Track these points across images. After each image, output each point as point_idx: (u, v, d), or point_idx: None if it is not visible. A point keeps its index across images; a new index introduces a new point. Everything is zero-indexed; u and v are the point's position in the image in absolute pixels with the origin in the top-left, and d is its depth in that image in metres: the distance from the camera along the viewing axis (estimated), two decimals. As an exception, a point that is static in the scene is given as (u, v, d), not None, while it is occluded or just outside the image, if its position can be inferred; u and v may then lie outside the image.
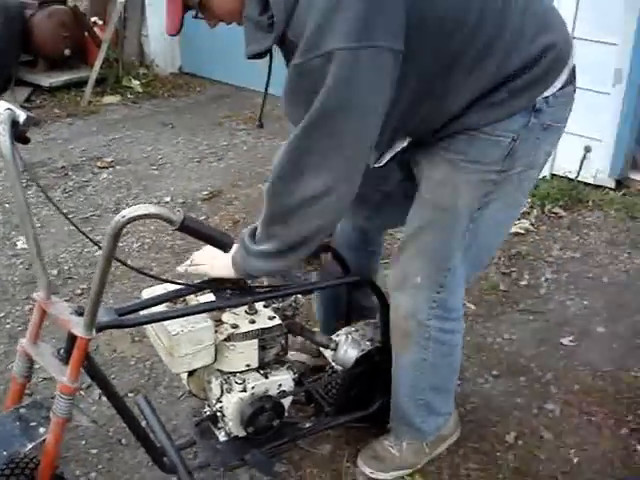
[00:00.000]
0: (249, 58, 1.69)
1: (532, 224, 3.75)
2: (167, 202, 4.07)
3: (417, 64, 1.64)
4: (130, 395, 2.61)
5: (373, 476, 2.24)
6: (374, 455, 2.27)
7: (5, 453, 1.70)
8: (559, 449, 2.38)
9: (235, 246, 1.81)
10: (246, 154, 4.78)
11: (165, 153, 4.81)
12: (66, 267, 3.46)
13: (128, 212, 1.48)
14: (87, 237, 1.78)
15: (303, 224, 1.73)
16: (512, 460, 2.33)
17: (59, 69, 5.97)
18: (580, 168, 3.98)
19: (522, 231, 3.68)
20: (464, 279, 2.01)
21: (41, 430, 1.75)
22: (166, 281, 1.96)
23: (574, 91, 1.85)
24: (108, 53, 5.88)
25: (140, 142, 4.98)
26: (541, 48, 1.72)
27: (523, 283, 3.29)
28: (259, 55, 1.68)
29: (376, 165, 1.95)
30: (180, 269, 2.01)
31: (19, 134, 1.67)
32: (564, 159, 4.01)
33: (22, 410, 1.80)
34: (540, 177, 4.06)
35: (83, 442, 2.42)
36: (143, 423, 2.13)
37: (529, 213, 3.84)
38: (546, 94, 1.75)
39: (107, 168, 4.56)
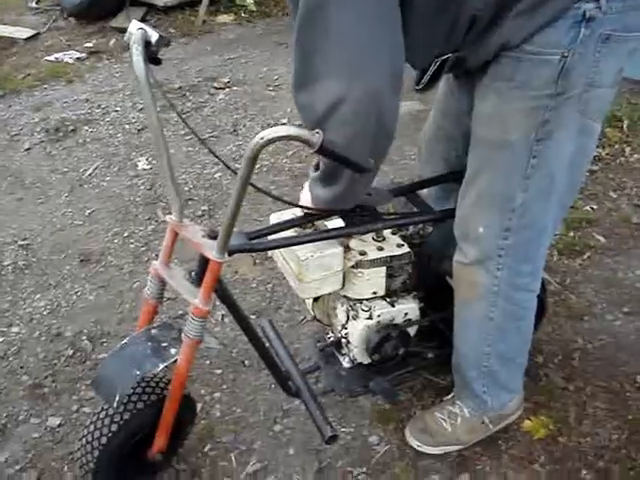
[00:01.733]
0: None
1: (668, 151, 3.52)
2: (284, 124, 4.03)
3: None
4: (252, 317, 2.65)
5: (420, 449, 2.13)
6: (423, 427, 2.14)
7: (138, 372, 1.73)
8: (695, 392, 2.28)
9: None
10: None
11: (280, 73, 4.75)
12: (186, 188, 3.50)
13: (267, 133, 1.42)
14: (224, 163, 1.75)
15: (335, 136, 1.48)
16: (642, 401, 2.25)
17: (173, -12, 5.97)
18: None
19: (656, 159, 3.47)
20: (542, 225, 1.78)
21: (172, 351, 1.77)
22: (297, 206, 1.91)
23: None
24: (222, -29, 5.83)
25: (255, 62, 4.94)
26: None
27: (657, 216, 3.11)
28: None
29: (419, 87, 1.77)
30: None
31: (151, 55, 1.64)
32: None
33: (153, 331, 1.83)
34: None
35: (208, 362, 2.48)
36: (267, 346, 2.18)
37: (664, 140, 3.61)
38: None
39: (223, 89, 4.56)
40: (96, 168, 3.76)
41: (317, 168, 1.75)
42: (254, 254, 2.93)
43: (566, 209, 1.85)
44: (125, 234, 3.21)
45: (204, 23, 5.65)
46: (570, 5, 1.49)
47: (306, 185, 1.86)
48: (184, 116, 4.21)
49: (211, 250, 1.66)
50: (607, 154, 3.53)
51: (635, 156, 3.53)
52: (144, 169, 3.69)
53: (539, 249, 1.83)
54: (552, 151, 1.65)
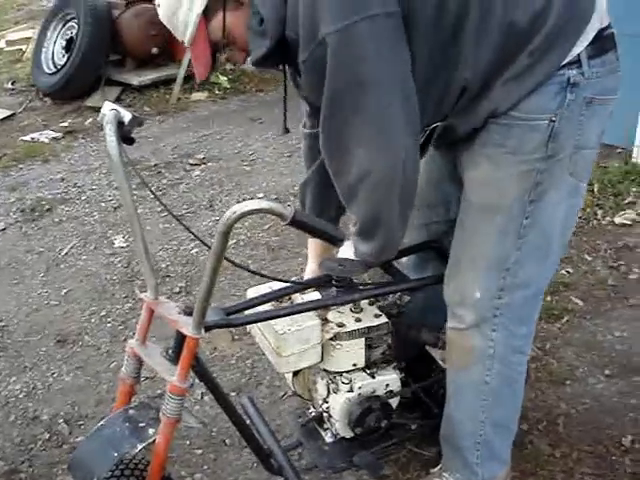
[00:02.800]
0: (254, 65, 1.65)
1: (638, 214, 3.57)
2: (260, 198, 4.06)
3: (419, 29, 1.52)
4: (232, 394, 2.61)
5: None
6: None
7: (116, 454, 1.69)
8: (680, 454, 2.26)
9: None
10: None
11: (255, 148, 4.81)
12: (163, 265, 3.49)
13: (239, 207, 1.43)
14: (198, 238, 1.77)
15: (366, 203, 1.66)
16: (629, 465, 2.23)
17: (147, 68, 6.05)
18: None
19: (629, 222, 3.52)
20: (536, 285, 1.80)
21: (150, 431, 1.73)
22: (275, 279, 1.93)
23: (617, 59, 1.65)
24: (195, 50, 5.92)
25: (230, 138, 5.00)
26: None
27: (632, 277, 3.15)
28: (262, 60, 1.61)
29: None
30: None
31: (124, 134, 1.67)
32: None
33: (131, 411, 1.79)
34: (647, 163, 3.93)
35: (187, 442, 2.43)
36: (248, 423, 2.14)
37: (634, 203, 3.67)
38: (575, 51, 1.57)
39: (199, 165, 4.60)
40: (72, 247, 3.74)
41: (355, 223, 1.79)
42: (233, 330, 2.90)
43: (555, 269, 1.90)
44: (102, 313, 3.17)
45: (179, 101, 5.73)
46: (555, 71, 1.57)
47: (347, 242, 1.87)
48: (159, 193, 4.22)
49: (187, 326, 1.65)
50: (580, 218, 3.58)
51: (607, 218, 3.58)
52: (121, 247, 3.68)
53: (533, 310, 1.85)
54: (545, 212, 1.70)
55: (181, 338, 1.69)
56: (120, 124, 1.66)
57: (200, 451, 2.40)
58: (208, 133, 5.08)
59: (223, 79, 6.02)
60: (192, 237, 3.59)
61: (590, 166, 1.76)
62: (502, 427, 1.96)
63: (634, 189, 3.75)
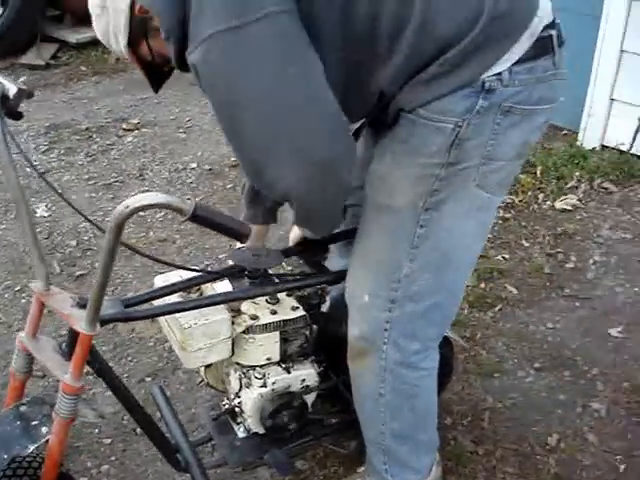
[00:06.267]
0: (180, 70, 1.51)
1: (580, 200, 3.51)
2: (193, 168, 3.89)
3: (325, 34, 1.38)
4: (147, 379, 2.49)
5: None
6: None
7: (5, 456, 1.58)
8: (604, 454, 2.20)
9: None
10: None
11: (193, 115, 4.62)
12: (86, 238, 3.31)
13: (132, 202, 1.30)
14: (92, 223, 1.63)
15: (300, 210, 1.59)
16: (553, 465, 2.16)
17: (87, 25, 5.67)
18: (634, 140, 3.71)
19: (569, 207, 3.45)
20: (430, 302, 1.64)
21: (43, 430, 1.61)
22: (180, 267, 1.82)
23: (554, 64, 1.48)
24: (137, 8, 5.68)
25: (167, 103, 4.79)
26: (476, 9, 1.39)
27: (569, 266, 3.07)
28: (180, 66, 1.47)
29: None
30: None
31: (10, 109, 1.54)
32: (616, 130, 3.76)
33: (23, 408, 1.66)
34: (590, 148, 3.86)
35: (96, 431, 2.30)
36: (158, 415, 2.02)
37: (577, 187, 3.60)
38: (496, 70, 1.42)
39: (132, 131, 4.39)
40: (-9, 215, 3.54)
41: None
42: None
43: (461, 286, 1.74)
44: (17, 288, 2.99)
45: (117, 61, 5.47)
46: (476, 79, 1.42)
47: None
48: (89, 159, 4.03)
49: (80, 322, 1.51)
50: (520, 201, 3.50)
51: (548, 203, 3.51)
52: (43, 216, 3.49)
53: (428, 327, 1.70)
54: (442, 223, 1.55)
55: (74, 333, 1.55)
56: (4, 98, 1.52)
57: (109, 440, 2.27)
58: (145, 97, 4.85)
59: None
60: None
61: (507, 179, 1.61)
62: (406, 438, 1.85)
63: (577, 173, 3.68)
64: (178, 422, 2.00)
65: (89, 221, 1.63)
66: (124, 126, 4.44)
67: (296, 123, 1.38)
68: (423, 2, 1.37)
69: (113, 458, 2.22)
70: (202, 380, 2.46)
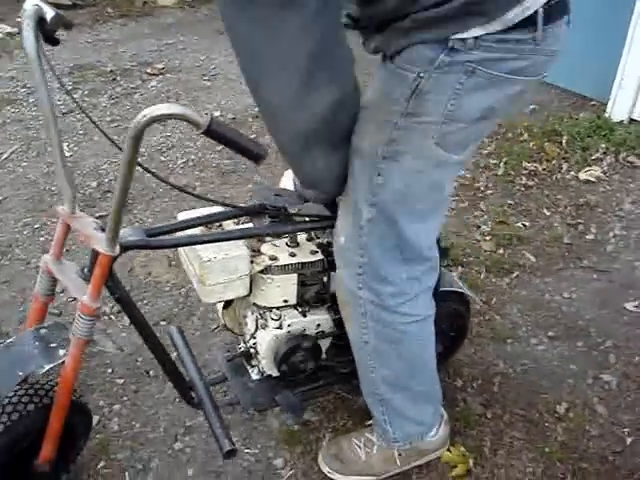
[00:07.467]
0: None
1: (604, 172, 3.47)
2: (217, 116, 3.85)
3: None
4: (163, 323, 2.50)
5: (331, 476, 1.99)
6: (336, 453, 2.01)
7: (21, 373, 1.60)
8: (612, 426, 2.19)
9: None
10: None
11: (218, 63, 4.57)
12: (106, 180, 3.32)
13: (150, 111, 1.31)
14: (112, 141, 1.62)
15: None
16: (560, 433, 2.16)
17: (115, -35, 5.71)
18: (663, 114, 3.65)
19: (593, 179, 3.41)
20: (391, 245, 1.64)
21: (61, 352, 1.65)
22: (206, 199, 1.78)
23: (534, 39, 1.41)
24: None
25: (193, 49, 4.75)
26: None
27: (589, 237, 3.04)
28: None
29: None
30: None
31: (47, 33, 1.52)
32: (646, 103, 3.70)
33: (43, 330, 1.70)
34: (617, 121, 3.81)
35: (109, 370, 2.32)
36: (174, 355, 2.03)
37: (602, 159, 3.56)
38: (463, 36, 1.38)
39: (157, 75, 4.36)
40: (13, 152, 3.54)
41: None
42: (170, 254, 2.77)
43: (423, 237, 1.70)
44: (36, 225, 3.01)
45: (145, 5, 5.44)
46: (445, 36, 1.39)
47: (288, 173, 1.78)
48: (112, 102, 4.01)
49: (101, 243, 1.52)
50: (544, 169, 3.47)
51: (572, 173, 3.47)
52: (65, 155, 3.48)
53: (397, 269, 1.69)
54: (399, 175, 1.55)
55: (95, 255, 1.56)
56: (42, 21, 1.50)
57: (121, 381, 2.30)
58: (171, 42, 4.82)
59: (193, -15, 5.73)
60: (139, 152, 3.51)
61: (469, 140, 1.57)
62: (398, 387, 1.85)
63: (603, 145, 3.63)
64: (194, 362, 2.01)
65: (108, 138, 1.61)
66: (148, 70, 4.41)
67: (332, 57, 1.38)
68: None
69: (125, 398, 2.24)
70: (217, 327, 2.49)
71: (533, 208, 3.22)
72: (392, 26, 1.44)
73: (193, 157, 3.50)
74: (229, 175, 3.35)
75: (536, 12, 1.39)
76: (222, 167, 3.43)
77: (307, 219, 1.88)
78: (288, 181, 1.94)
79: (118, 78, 4.29)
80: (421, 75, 1.43)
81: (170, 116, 1.32)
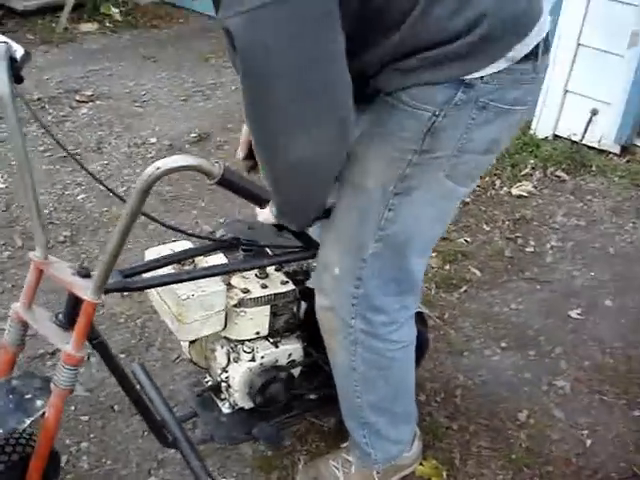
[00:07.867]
0: None
1: (535, 187, 3.62)
2: (153, 143, 3.82)
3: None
4: (122, 356, 2.46)
5: None
6: (316, 476, 2.03)
7: (1, 431, 1.55)
8: (571, 429, 2.31)
9: None
10: (235, 94, 4.46)
11: (148, 89, 4.54)
12: (46, 211, 3.23)
13: (164, 163, 1.29)
14: (113, 192, 1.64)
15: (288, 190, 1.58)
16: (524, 439, 2.26)
17: (34, -8, 5.56)
18: (585, 131, 3.83)
19: (525, 194, 3.56)
20: (391, 280, 1.69)
21: (38, 403, 1.59)
22: (193, 235, 1.84)
23: (534, 69, 1.49)
24: (86, -24, 5.52)
25: (121, 75, 4.69)
26: (462, 24, 1.38)
27: (529, 250, 3.18)
28: None
29: None
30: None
31: (14, 72, 1.49)
32: (569, 120, 3.88)
33: (14, 382, 1.64)
34: (542, 137, 3.98)
35: (72, 408, 2.27)
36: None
37: (531, 175, 3.71)
38: (477, 75, 1.44)
39: (86, 103, 4.28)
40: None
41: None
42: (123, 286, 2.73)
43: (421, 267, 1.77)
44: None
45: (66, 31, 5.31)
46: (456, 77, 1.44)
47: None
48: (43, 131, 3.91)
49: (85, 290, 1.50)
50: (478, 186, 3.58)
51: (504, 189, 3.61)
52: (0, 187, 3.39)
53: (392, 300, 1.74)
54: (410, 209, 1.59)
55: (75, 302, 1.54)
56: (11, 60, 1.48)
57: (86, 417, 2.25)
58: (97, 68, 4.74)
59: (115, 11, 5.64)
60: (78, 181, 3.46)
61: (475, 172, 1.65)
62: (382, 410, 1.90)
63: (531, 160, 3.79)
64: (162, 399, 2.00)
65: (111, 191, 1.62)
66: (77, 97, 4.32)
67: (332, 92, 1.38)
68: None
69: (92, 435, 2.20)
70: (178, 357, 2.47)
71: (472, 224, 3.33)
72: (393, 65, 1.45)
73: (133, 185, 3.45)
74: (172, 202, 3.34)
75: (538, 44, 1.47)
76: (164, 194, 3.40)
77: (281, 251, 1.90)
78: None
79: (46, 106, 4.19)
80: (437, 114, 1.46)
81: (185, 168, 1.31)
